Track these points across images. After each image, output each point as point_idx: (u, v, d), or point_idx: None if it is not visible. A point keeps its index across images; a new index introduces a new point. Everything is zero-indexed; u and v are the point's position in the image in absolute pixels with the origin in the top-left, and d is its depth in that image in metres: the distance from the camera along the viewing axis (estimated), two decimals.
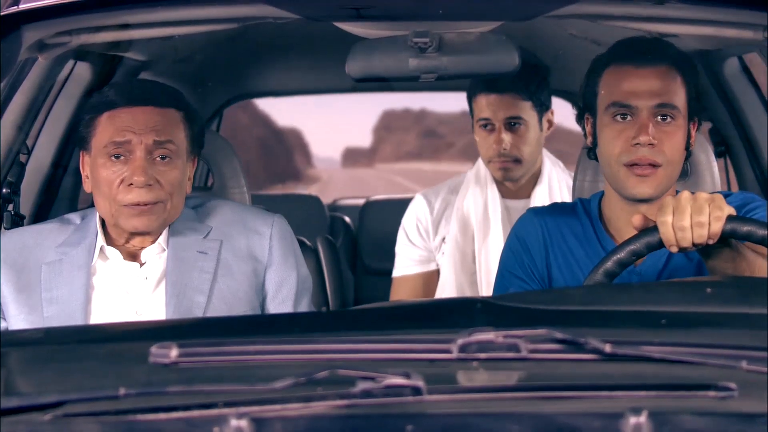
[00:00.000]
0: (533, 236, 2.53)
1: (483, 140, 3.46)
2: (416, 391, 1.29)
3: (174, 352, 1.38)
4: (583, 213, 2.53)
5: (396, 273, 3.59)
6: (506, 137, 3.39)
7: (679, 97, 2.39)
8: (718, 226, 2.04)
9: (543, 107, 3.47)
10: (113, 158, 2.40)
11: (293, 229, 2.65)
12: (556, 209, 2.60)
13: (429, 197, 3.57)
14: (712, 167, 2.91)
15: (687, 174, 2.91)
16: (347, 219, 5.60)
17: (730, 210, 2.06)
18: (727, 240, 2.08)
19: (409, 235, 3.55)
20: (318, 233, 4.18)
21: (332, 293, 3.77)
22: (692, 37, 2.97)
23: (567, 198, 3.32)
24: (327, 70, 4.71)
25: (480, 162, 3.51)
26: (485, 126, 3.44)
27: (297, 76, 5.22)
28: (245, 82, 5.22)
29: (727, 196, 2.40)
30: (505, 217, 3.43)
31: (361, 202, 6.05)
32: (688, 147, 2.45)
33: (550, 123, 3.53)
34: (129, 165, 2.39)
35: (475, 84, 3.47)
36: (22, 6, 2.21)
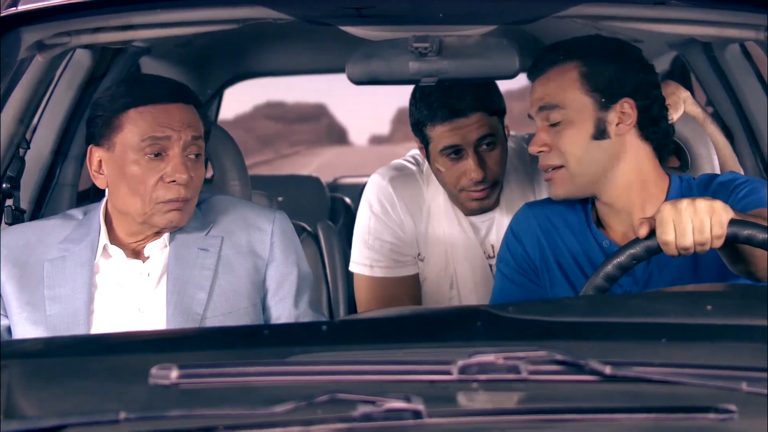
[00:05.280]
0: (526, 229, 2.58)
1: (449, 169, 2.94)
2: (416, 414, 1.29)
3: (174, 374, 1.38)
4: (579, 205, 2.56)
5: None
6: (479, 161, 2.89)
7: (570, 95, 2.40)
8: (719, 243, 2.04)
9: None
10: (152, 155, 2.38)
11: (294, 211, 2.64)
12: (552, 202, 2.61)
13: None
14: (712, 159, 2.91)
15: (687, 166, 2.91)
16: (347, 200, 5.62)
17: (730, 216, 2.05)
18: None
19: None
20: (319, 215, 4.17)
21: (332, 279, 3.77)
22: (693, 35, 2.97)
23: (541, 188, 3.08)
24: (327, 50, 4.70)
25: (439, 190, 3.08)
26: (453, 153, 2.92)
27: (297, 56, 5.21)
28: (245, 63, 5.23)
29: (713, 178, 2.41)
30: (471, 235, 3.05)
31: (362, 180, 6.05)
32: (646, 125, 2.44)
33: (508, 129, 3.02)
34: (168, 162, 2.38)
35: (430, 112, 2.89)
36: (21, 7, 2.20)
